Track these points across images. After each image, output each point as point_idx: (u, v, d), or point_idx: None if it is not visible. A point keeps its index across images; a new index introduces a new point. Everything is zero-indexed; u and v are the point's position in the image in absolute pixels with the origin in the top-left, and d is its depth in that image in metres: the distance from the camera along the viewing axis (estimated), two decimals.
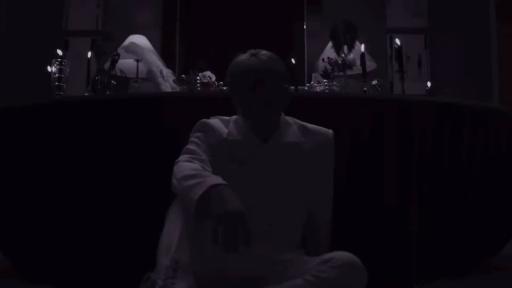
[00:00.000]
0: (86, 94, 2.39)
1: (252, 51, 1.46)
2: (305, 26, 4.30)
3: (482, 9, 4.29)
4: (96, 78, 2.29)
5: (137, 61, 3.02)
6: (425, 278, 1.89)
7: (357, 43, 2.72)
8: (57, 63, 2.21)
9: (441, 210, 1.98)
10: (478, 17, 4.27)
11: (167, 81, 2.75)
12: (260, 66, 1.41)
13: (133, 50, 2.97)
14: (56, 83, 2.20)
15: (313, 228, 1.56)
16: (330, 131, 1.56)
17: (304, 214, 1.53)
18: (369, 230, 1.85)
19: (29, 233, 1.98)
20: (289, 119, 1.56)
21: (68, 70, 2.25)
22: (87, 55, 2.61)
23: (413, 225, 1.88)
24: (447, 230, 2.00)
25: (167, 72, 2.77)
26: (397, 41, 2.34)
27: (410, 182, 1.89)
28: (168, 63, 3.03)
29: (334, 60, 2.63)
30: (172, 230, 1.23)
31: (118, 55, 2.50)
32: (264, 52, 1.46)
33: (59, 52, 2.33)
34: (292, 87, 2.34)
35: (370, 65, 3.11)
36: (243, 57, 1.45)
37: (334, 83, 2.51)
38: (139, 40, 3.30)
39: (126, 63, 3.00)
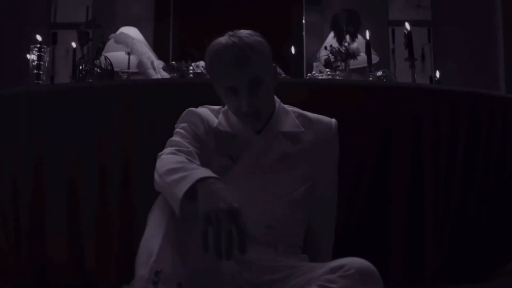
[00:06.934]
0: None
1: (230, 32, 1.29)
2: (303, 17, 4.18)
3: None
4: (80, 66, 2.13)
5: (128, 54, 2.89)
6: (439, 283, 1.79)
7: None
8: (36, 49, 2.04)
9: (456, 213, 1.86)
10: (483, 8, 4.14)
11: (158, 72, 2.65)
12: (240, 43, 1.23)
13: (123, 40, 2.87)
14: (35, 71, 2.03)
15: (315, 229, 1.41)
16: (333, 120, 1.40)
17: (305, 214, 1.38)
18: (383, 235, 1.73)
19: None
20: (287, 107, 1.40)
21: (47, 59, 2.09)
22: (71, 44, 2.49)
23: (429, 229, 1.77)
24: (461, 235, 1.88)
25: (158, 63, 2.66)
26: (407, 25, 2.16)
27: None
28: (161, 54, 2.90)
29: (337, 49, 2.47)
30: (153, 234, 1.06)
31: (104, 43, 2.35)
32: (242, 30, 1.29)
33: (39, 37, 2.16)
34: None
35: (373, 58, 2.97)
36: (221, 39, 1.28)
37: (337, 72, 2.36)
38: (130, 31, 3.20)
39: (116, 55, 2.89)
